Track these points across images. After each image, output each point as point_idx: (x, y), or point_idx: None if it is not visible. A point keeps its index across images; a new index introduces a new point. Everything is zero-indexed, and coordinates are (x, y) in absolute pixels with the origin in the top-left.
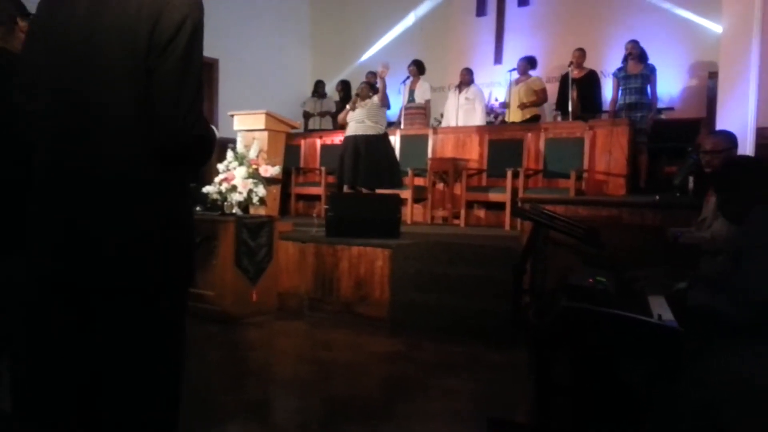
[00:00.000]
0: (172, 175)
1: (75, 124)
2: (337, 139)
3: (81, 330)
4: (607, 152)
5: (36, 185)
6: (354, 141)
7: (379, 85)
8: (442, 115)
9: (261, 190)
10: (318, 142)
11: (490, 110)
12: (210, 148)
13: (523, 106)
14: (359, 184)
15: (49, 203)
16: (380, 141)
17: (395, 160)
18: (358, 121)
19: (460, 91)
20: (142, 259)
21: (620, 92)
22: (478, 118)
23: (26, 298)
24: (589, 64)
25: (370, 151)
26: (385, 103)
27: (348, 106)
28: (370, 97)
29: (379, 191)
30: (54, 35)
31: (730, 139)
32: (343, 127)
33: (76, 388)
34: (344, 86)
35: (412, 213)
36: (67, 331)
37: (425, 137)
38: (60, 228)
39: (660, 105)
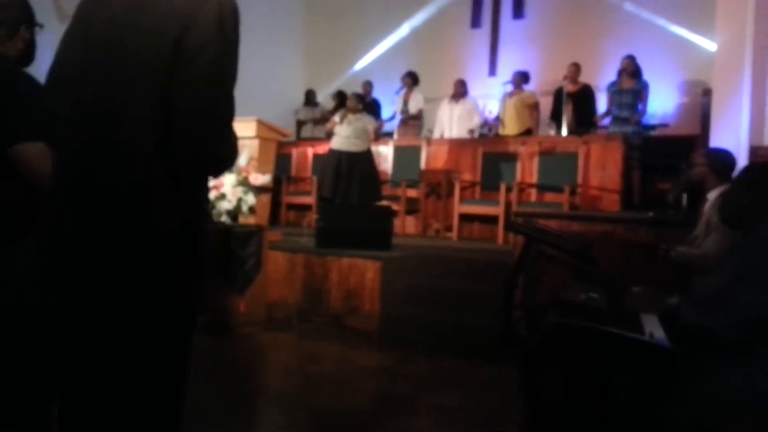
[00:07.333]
0: (189, 185)
1: (95, 129)
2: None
3: (89, 348)
4: (601, 167)
5: (55, 191)
6: (338, 156)
7: None
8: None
9: (251, 199)
10: (310, 151)
11: (484, 122)
12: (231, 163)
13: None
14: (339, 199)
15: (68, 211)
16: (364, 157)
17: (377, 176)
18: (344, 137)
19: (456, 102)
20: (156, 274)
21: (612, 107)
22: (472, 128)
23: (44, 311)
24: (583, 78)
25: (354, 169)
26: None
27: (335, 118)
28: (359, 109)
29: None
30: (88, 37)
31: (726, 155)
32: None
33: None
34: (340, 96)
35: (404, 225)
36: (79, 348)
37: (418, 148)
38: (78, 237)
39: (654, 121)
